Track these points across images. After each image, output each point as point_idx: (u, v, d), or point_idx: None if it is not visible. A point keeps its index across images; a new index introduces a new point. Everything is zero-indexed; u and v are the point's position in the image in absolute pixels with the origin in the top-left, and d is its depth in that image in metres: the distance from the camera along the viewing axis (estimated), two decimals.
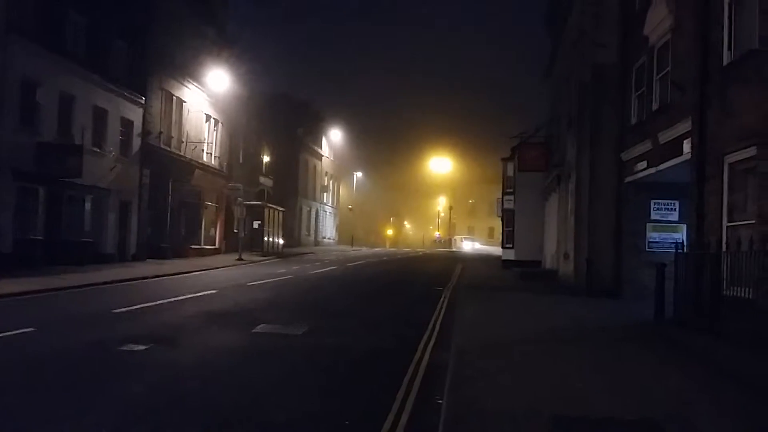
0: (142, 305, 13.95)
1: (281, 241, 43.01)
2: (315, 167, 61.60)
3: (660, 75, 14.82)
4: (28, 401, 6.63)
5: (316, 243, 60.62)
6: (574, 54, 21.54)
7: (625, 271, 17.11)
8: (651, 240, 16.89)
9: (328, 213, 67.19)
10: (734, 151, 10.64)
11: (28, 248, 20.96)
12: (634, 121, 16.81)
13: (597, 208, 18.17)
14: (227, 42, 38.40)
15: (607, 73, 18.11)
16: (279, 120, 49.15)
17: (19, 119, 20.60)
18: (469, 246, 74.21)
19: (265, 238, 40.50)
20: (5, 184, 19.89)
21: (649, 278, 14.07)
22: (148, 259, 27.95)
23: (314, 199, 61.25)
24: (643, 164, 15.54)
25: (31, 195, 21.46)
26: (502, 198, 36.27)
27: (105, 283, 18.47)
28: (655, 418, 6.15)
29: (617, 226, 17.54)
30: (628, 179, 16.87)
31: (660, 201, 16.84)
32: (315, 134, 60.46)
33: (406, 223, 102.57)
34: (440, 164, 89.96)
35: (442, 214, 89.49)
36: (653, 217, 16.91)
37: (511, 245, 33.40)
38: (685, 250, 12.28)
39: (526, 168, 30.11)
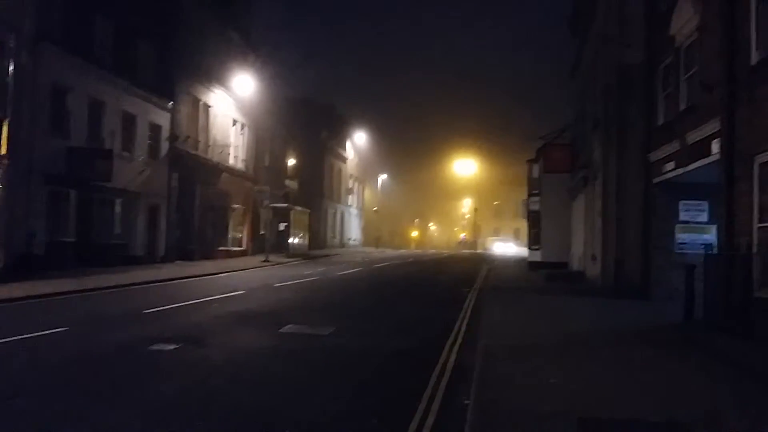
0: (171, 306, 14.17)
1: (307, 243, 43.27)
2: (340, 170, 61.86)
3: (687, 75, 14.64)
4: (61, 399, 6.80)
5: (342, 245, 60.85)
6: (599, 54, 21.38)
7: (653, 273, 16.91)
8: (680, 241, 16.64)
9: (353, 215, 67.39)
10: (764, 151, 10.48)
11: (60, 250, 21.39)
12: (661, 121, 16.62)
13: (624, 210, 18.00)
14: (252, 46, 38.81)
15: (633, 74, 17.93)
16: (304, 123, 49.49)
17: (50, 125, 21.07)
18: (501, 248, 64.51)
19: (291, 240, 40.80)
20: (37, 188, 20.34)
21: (678, 280, 13.90)
22: (176, 261, 28.35)
23: (339, 202, 61.50)
24: (671, 165, 15.36)
25: (63, 198, 21.91)
26: (528, 199, 36.03)
27: (135, 284, 18.78)
28: (683, 421, 6.10)
29: (645, 227, 17.34)
30: (656, 180, 16.69)
31: (689, 202, 16.59)
32: (339, 137, 60.72)
33: (431, 224, 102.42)
34: (465, 166, 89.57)
35: (467, 216, 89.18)
36: (682, 218, 16.67)
37: (537, 247, 33.19)
38: (714, 252, 12.12)
39: (551, 169, 29.91)
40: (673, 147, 15.04)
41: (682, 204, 16.64)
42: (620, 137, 18.24)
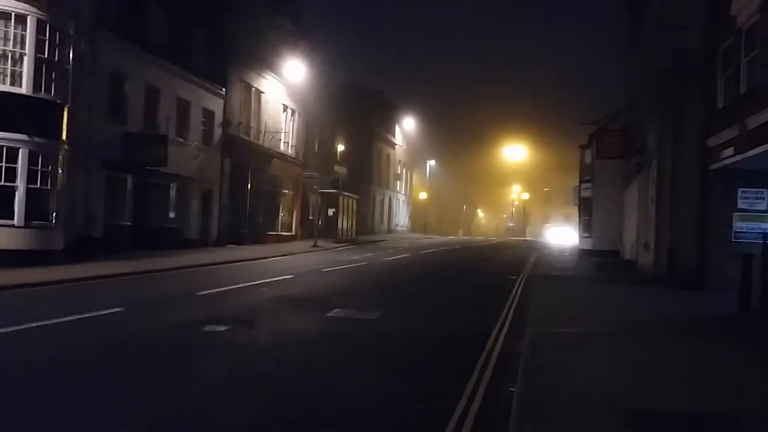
0: (223, 289, 14.51)
1: (354, 229, 43.55)
2: (388, 155, 61.90)
3: (748, 57, 14.08)
4: (117, 376, 7.06)
5: (389, 231, 61.02)
6: (655, 37, 20.76)
7: (709, 262, 16.43)
8: (737, 230, 16.15)
9: (401, 201, 67.45)
10: None
11: (117, 233, 22.10)
12: (720, 105, 16.06)
13: (680, 197, 17.51)
14: (303, 32, 39.04)
15: (690, 57, 17.36)
16: (353, 109, 49.64)
17: (108, 111, 21.71)
18: (558, 236, 57.37)
19: (339, 225, 41.13)
20: (96, 173, 21.02)
21: (734, 270, 13.47)
22: (228, 245, 28.95)
23: (387, 187, 61.61)
24: (730, 151, 14.84)
25: (120, 183, 22.59)
26: (580, 186, 35.43)
27: (188, 267, 19.28)
28: (735, 415, 5.95)
29: (701, 215, 16.85)
30: (714, 166, 16.17)
31: (748, 189, 16.06)
32: (388, 123, 60.70)
33: (479, 211, 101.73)
34: (515, 152, 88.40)
35: (516, 203, 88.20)
36: (740, 206, 16.15)
37: (588, 234, 32.67)
38: None
39: (604, 155, 29.25)
40: (732, 132, 14.53)
41: (740, 191, 16.12)
42: (676, 122, 17.72)
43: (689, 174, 17.27)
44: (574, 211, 43.01)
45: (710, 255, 16.41)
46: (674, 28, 17.64)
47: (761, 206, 16.04)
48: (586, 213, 33.31)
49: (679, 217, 17.50)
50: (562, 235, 56.84)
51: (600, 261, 25.07)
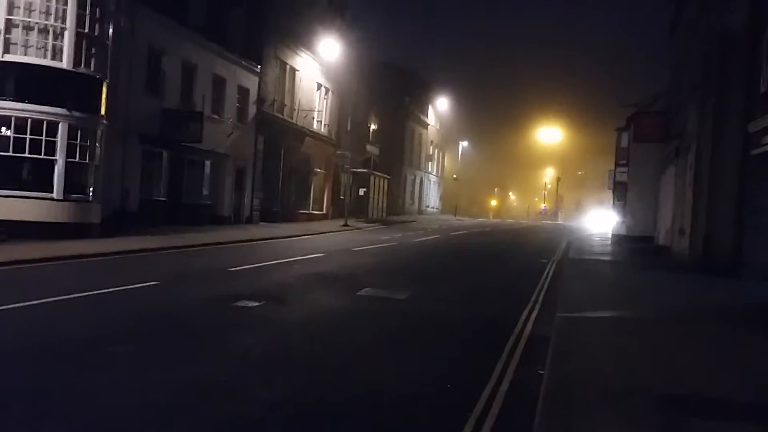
0: (255, 265, 14.70)
1: (385, 209, 43.61)
2: (421, 136, 61.64)
3: None
4: (153, 348, 7.24)
5: (420, 212, 60.95)
6: (699, 18, 20.21)
7: (746, 250, 16.10)
8: None
9: (432, 182, 67.23)
10: None
11: (152, 208, 22.47)
12: (763, 89, 15.63)
13: (718, 182, 17.14)
14: (339, 9, 38.87)
15: (734, 39, 16.88)
16: (387, 88, 49.40)
17: (146, 86, 21.96)
18: (597, 220, 54.40)
19: (370, 205, 41.20)
20: (133, 148, 21.35)
21: None
22: (260, 223, 29.24)
23: (419, 168, 61.43)
24: None
25: (156, 158, 22.91)
26: (615, 170, 34.86)
27: (221, 243, 19.54)
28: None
29: (740, 201, 16.49)
30: (755, 152, 15.77)
31: None
32: (422, 103, 60.35)
33: (510, 194, 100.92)
34: (549, 134, 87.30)
35: (549, 186, 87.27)
36: None
37: (622, 219, 32.21)
38: None
39: (642, 138, 28.66)
40: None
41: None
42: (718, 106, 17.29)
43: (729, 159, 16.89)
44: (608, 196, 42.41)
45: (747, 243, 16.08)
46: (719, 9, 17.16)
47: None
48: (621, 198, 32.81)
49: (716, 203, 17.15)
50: (601, 220, 54.24)
51: (634, 246, 24.74)
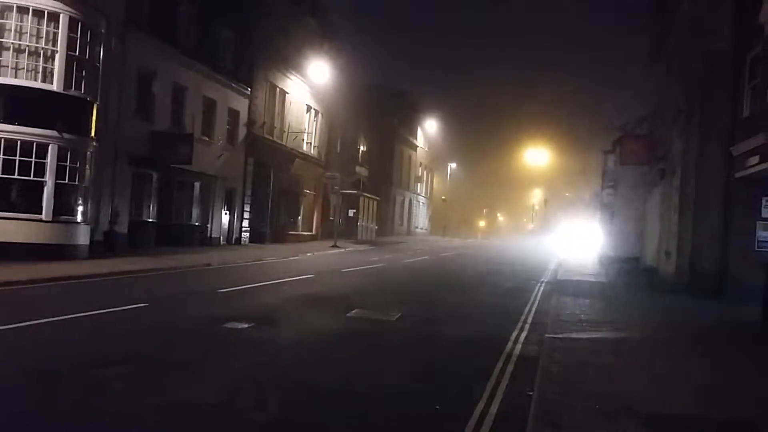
0: (245, 287, 14.70)
1: (375, 230, 43.67)
2: (410, 157, 61.95)
3: None
4: (140, 371, 7.23)
5: (409, 233, 61.06)
6: (683, 43, 20.61)
7: (731, 271, 16.29)
8: (761, 239, 15.96)
9: (421, 203, 67.46)
10: None
11: (142, 230, 22.42)
12: (746, 113, 15.94)
13: (703, 205, 17.38)
14: (328, 33, 39.23)
15: (718, 63, 17.22)
16: (375, 110, 49.76)
17: (136, 108, 22.02)
18: (567, 242, 51.10)
19: (359, 226, 41.27)
20: (122, 169, 21.35)
21: (757, 279, 13.35)
22: (250, 244, 29.21)
23: (408, 189, 61.65)
24: (755, 159, 14.71)
25: (146, 180, 22.90)
26: (602, 192, 35.22)
27: (210, 265, 19.50)
28: (754, 421, 5.97)
29: (724, 223, 16.72)
30: (738, 175, 16.03)
31: None
32: (410, 125, 60.76)
33: (499, 215, 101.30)
34: (537, 156, 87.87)
35: (537, 207, 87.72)
36: (764, 215, 15.96)
37: (609, 240, 32.46)
38: None
39: (628, 161, 29.03)
40: (758, 140, 14.40)
41: (765, 200, 15.95)
42: (702, 129, 17.58)
43: (713, 182, 17.14)
44: (596, 217, 42.72)
45: (732, 264, 16.28)
46: (704, 33, 17.51)
47: None
48: (608, 219, 33.10)
49: (701, 225, 17.37)
50: (573, 241, 51.64)
51: (620, 267, 24.89)
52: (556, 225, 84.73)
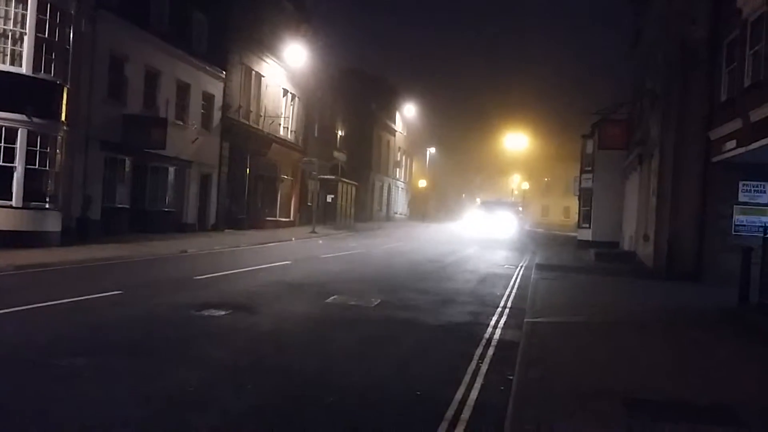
0: (221, 273, 14.48)
1: (353, 215, 43.51)
2: (389, 142, 61.72)
3: (753, 50, 14.01)
4: (117, 359, 7.04)
5: (388, 218, 60.97)
6: (661, 28, 20.64)
7: (708, 255, 16.46)
8: (738, 223, 16.16)
9: (400, 188, 67.36)
10: None
11: (115, 216, 22.02)
12: (723, 98, 16.01)
13: (681, 189, 17.49)
14: (304, 16, 38.75)
15: (695, 48, 17.28)
16: (354, 94, 49.39)
17: (108, 92, 21.51)
18: (491, 223, 45.54)
19: (338, 212, 41.06)
20: (95, 155, 20.89)
21: (734, 263, 13.47)
22: (226, 230, 28.89)
23: (387, 174, 61.48)
24: (732, 143, 14.81)
25: (118, 165, 22.46)
26: (580, 176, 35.34)
27: (186, 251, 19.23)
28: (730, 404, 5.97)
29: (702, 207, 16.85)
30: (716, 159, 16.14)
31: (749, 182, 16.07)
32: (389, 109, 60.46)
33: (478, 200, 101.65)
34: (516, 141, 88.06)
35: (516, 192, 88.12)
36: (741, 199, 16.16)
37: (587, 225, 32.64)
38: None
39: (606, 146, 29.22)
40: (735, 125, 14.49)
41: (741, 184, 16.12)
42: (680, 114, 17.66)
43: (691, 166, 17.25)
44: (574, 202, 42.97)
45: (709, 248, 16.44)
46: (681, 18, 17.54)
47: (762, 199, 16.05)
48: (586, 204, 33.28)
49: (679, 209, 17.49)
50: (498, 223, 46.56)
51: (599, 252, 25.06)
52: (536, 210, 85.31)
